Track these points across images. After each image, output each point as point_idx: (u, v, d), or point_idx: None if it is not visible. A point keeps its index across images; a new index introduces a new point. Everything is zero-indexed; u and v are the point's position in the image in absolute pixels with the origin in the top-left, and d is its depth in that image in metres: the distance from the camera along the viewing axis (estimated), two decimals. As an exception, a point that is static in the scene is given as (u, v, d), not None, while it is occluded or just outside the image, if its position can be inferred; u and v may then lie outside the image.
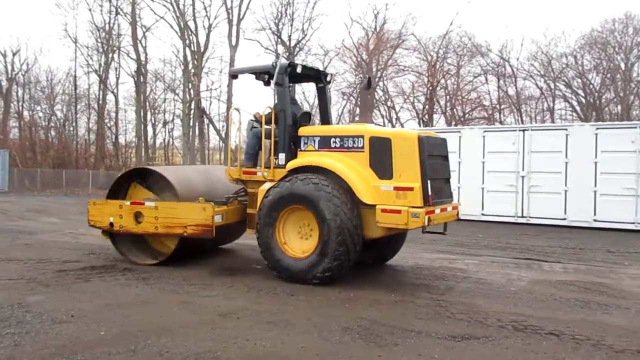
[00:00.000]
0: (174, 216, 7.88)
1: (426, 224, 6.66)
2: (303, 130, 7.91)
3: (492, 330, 5.23)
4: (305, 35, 37.73)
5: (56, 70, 68.82)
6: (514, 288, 7.23)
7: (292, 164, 7.60)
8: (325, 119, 8.96)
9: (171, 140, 45.18)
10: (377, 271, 8.20)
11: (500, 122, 34.08)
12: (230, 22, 36.02)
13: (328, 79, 8.90)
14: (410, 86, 36.92)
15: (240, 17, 36.27)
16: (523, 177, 15.56)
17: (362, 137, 7.28)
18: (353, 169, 7.19)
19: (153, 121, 43.41)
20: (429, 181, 6.82)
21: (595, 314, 5.98)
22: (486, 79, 36.25)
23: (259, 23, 42.97)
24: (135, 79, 38.25)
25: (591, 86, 34.84)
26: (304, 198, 7.05)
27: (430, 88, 35.14)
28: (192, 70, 35.93)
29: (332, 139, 7.55)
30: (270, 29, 37.55)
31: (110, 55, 39.65)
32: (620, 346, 4.80)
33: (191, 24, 36.28)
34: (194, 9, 36.63)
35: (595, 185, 14.47)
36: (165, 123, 44.14)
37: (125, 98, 44.63)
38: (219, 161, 40.59)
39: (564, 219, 14.88)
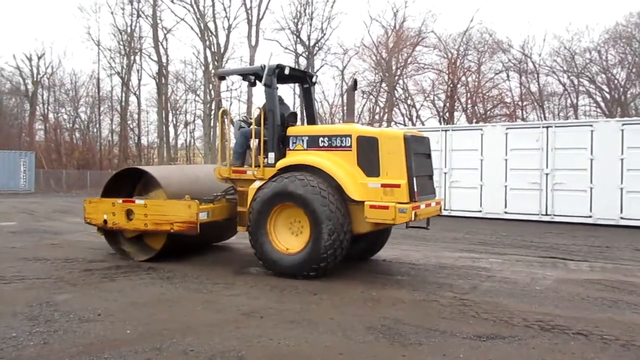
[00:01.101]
0: (161, 213, 8.11)
1: (413, 218, 6.93)
2: (292, 130, 8.06)
3: (518, 330, 5.16)
4: (325, 34, 37.89)
5: (80, 73, 70.31)
6: (540, 287, 7.12)
7: (282, 163, 7.78)
8: (311, 119, 9.15)
9: (192, 140, 45.72)
10: (399, 271, 8.16)
11: (523, 119, 33.67)
12: (249, 22, 36.31)
13: (314, 80, 9.13)
14: (431, 84, 36.71)
15: (260, 17, 36.56)
16: (547, 174, 15.34)
17: (350, 136, 7.48)
18: (341, 167, 7.40)
19: (175, 122, 44.04)
20: (414, 178, 7.08)
21: (624, 313, 5.85)
22: (508, 76, 35.84)
23: (278, 23, 43.39)
24: (157, 80, 38.78)
25: (616, 81, 34.17)
26: (295, 196, 7.24)
27: (451, 85, 34.87)
28: (213, 71, 36.24)
29: (321, 139, 7.73)
30: (289, 28, 37.77)
31: (132, 57, 40.28)
32: (651, 346, 4.70)
33: (211, 25, 36.70)
34: (213, 10, 37.08)
35: (622, 183, 14.21)
36: (186, 124, 44.72)
37: (147, 99, 45.40)
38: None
39: (590, 216, 14.63)
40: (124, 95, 41.36)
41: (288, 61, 32.21)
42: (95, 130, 43.57)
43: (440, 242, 11.14)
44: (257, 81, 8.34)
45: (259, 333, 4.99)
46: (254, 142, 8.19)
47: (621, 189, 14.21)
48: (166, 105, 40.16)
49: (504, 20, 56.72)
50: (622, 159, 14.23)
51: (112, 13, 40.40)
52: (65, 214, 17.74)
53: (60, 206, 21.22)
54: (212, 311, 5.77)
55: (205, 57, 36.96)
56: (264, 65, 7.99)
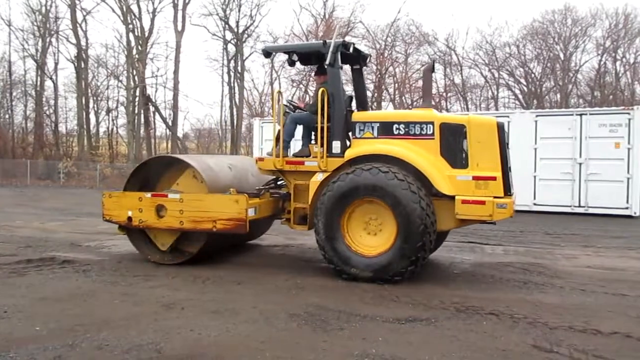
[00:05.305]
0: (201, 209, 7.13)
1: (512, 215, 6.39)
2: (357, 116, 7.27)
3: (435, 312, 5.35)
4: (254, 21, 37.38)
5: (-11, 55, 65.17)
6: (457, 271, 7.42)
7: (353, 153, 6.95)
8: (363, 103, 8.39)
9: (115, 128, 43.80)
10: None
11: (447, 110, 34.88)
12: (175, 6, 35.13)
13: (367, 60, 8.43)
14: (359, 74, 37.09)
15: (186, 1, 35.41)
16: (467, 163, 15.97)
17: (432, 123, 6.76)
18: (424, 158, 6.68)
19: (96, 109, 41.95)
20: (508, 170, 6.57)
21: (533, 293, 6.22)
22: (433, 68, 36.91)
23: (205, 8, 42.26)
24: (76, 64, 36.71)
25: (532, 75, 36.14)
26: (380, 190, 6.43)
27: (379, 76, 35.46)
28: (136, 56, 34.86)
29: (395, 126, 6.93)
30: (217, 14, 36.86)
31: (47, 39, 37.85)
32: (555, 323, 5.02)
33: (134, 8, 35.11)
34: (137, -9, 35.40)
35: (535, 171, 15.06)
36: (108, 111, 42.72)
37: (65, 84, 43.07)
38: (165, 150, 39.68)
39: (506, 203, 15.40)
40: (39, 79, 38.82)
41: (216, 47, 31.52)
42: (7, 116, 40.70)
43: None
44: (297, 61, 7.68)
45: (179, 324, 4.87)
46: (318, 130, 7.18)
47: (534, 176, 15.08)
48: (86, 91, 38.17)
49: (429, 13, 58.36)
50: (535, 149, 15.08)
51: (25, -9, 37.71)
52: (-28, 206, 16.52)
53: (-32, 197, 19.74)
54: (130, 304, 5.57)
55: (128, 42, 35.38)
56: (328, 42, 7.10)
